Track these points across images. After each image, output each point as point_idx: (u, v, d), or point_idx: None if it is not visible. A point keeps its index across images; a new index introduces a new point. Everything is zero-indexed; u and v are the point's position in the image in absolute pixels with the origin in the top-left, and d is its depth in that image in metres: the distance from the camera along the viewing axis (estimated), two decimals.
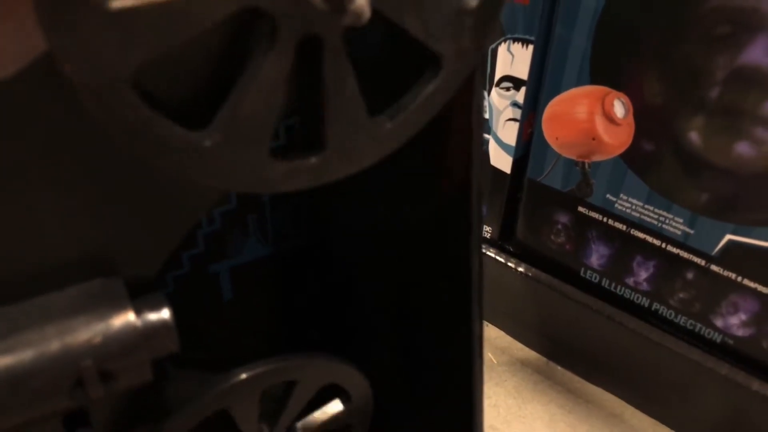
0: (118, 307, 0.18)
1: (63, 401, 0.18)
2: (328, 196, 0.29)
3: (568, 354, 0.45)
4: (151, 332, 0.19)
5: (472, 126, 0.22)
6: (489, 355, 0.48)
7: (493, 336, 0.49)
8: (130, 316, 0.18)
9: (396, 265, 0.29)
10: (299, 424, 0.26)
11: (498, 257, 0.45)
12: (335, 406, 0.26)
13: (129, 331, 0.18)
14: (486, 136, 0.41)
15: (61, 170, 0.17)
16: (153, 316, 0.19)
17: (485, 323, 0.50)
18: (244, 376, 0.22)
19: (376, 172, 0.20)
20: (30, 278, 0.18)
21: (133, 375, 0.18)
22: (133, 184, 0.18)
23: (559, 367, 0.46)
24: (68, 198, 0.17)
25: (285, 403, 0.24)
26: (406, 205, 0.27)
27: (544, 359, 0.47)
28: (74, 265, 0.18)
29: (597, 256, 0.40)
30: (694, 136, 0.33)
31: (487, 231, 0.45)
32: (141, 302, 0.19)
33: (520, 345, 0.48)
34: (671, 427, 0.42)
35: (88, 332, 0.18)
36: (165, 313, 0.19)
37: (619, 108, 0.35)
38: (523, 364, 0.47)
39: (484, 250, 0.46)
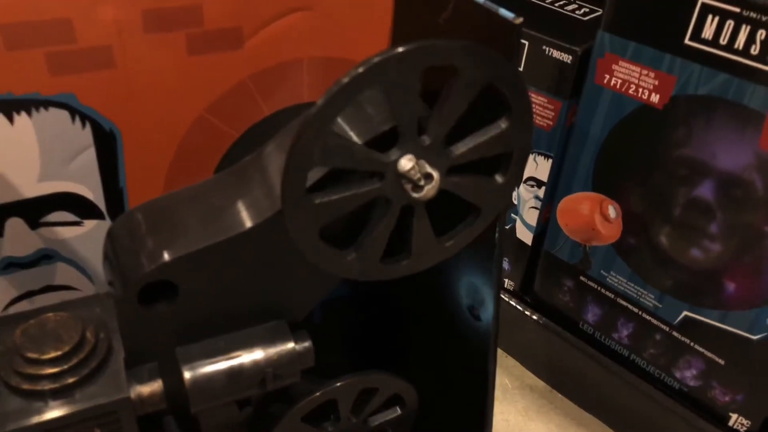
0: (285, 339, 0.32)
1: (252, 391, 0.32)
2: None
3: (567, 385, 0.58)
4: (302, 354, 0.32)
5: (497, 230, 0.34)
6: (505, 380, 0.61)
7: (510, 365, 0.62)
8: (290, 345, 0.32)
9: (434, 310, 0.43)
10: (371, 418, 0.39)
11: (518, 306, 0.58)
12: (395, 410, 0.40)
13: (290, 354, 0.32)
14: (514, 216, 0.54)
15: (271, 270, 0.31)
16: (302, 345, 0.33)
17: (505, 354, 0.63)
18: (350, 380, 0.36)
19: None
20: (241, 320, 0.32)
21: (290, 377, 0.32)
22: (303, 275, 0.32)
23: (559, 395, 0.59)
24: (270, 285, 0.31)
25: (368, 401, 0.37)
26: (446, 272, 0.40)
27: (549, 387, 0.60)
28: (263, 313, 0.32)
29: (592, 314, 0.53)
30: (662, 239, 0.46)
31: (510, 285, 0.58)
32: (296, 336, 0.33)
33: (530, 374, 0.61)
34: None
35: (269, 353, 0.32)
36: (308, 343, 0.33)
37: (612, 211, 0.48)
38: (532, 389, 0.60)
39: (507, 299, 0.59)
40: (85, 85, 0.33)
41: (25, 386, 0.28)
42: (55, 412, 0.28)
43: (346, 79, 0.25)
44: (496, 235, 0.34)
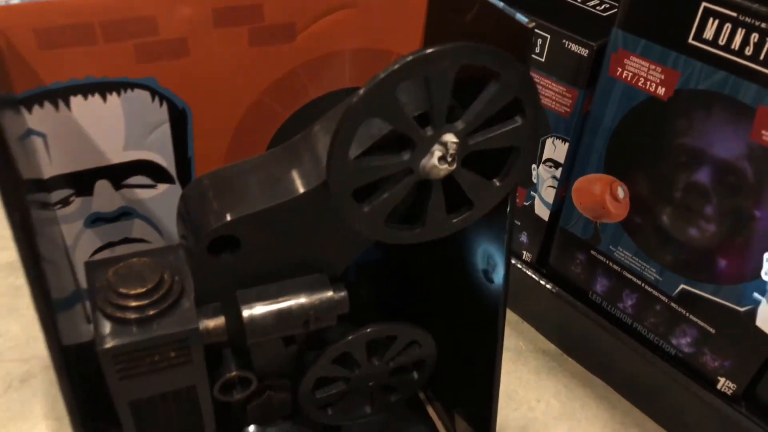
0: (325, 289, 0.38)
1: (297, 330, 0.38)
2: None
3: (576, 349, 0.63)
4: (338, 302, 0.39)
5: (509, 206, 0.40)
6: (520, 343, 0.66)
7: (525, 330, 0.67)
8: (329, 293, 0.38)
9: (454, 274, 0.48)
10: (393, 361, 0.46)
11: (534, 276, 0.63)
12: (415, 354, 0.46)
13: (329, 300, 0.38)
14: (533, 194, 0.59)
15: (315, 231, 0.37)
16: (339, 294, 0.39)
17: (521, 320, 0.68)
18: (373, 328, 0.42)
19: None
20: (290, 271, 0.38)
21: (328, 321, 0.39)
22: (341, 237, 0.38)
23: (569, 358, 0.64)
24: (315, 243, 0.38)
25: (388, 347, 0.43)
26: (465, 241, 0.46)
27: (559, 351, 0.65)
28: (309, 267, 0.39)
29: (600, 285, 0.58)
30: (665, 218, 0.50)
31: (528, 256, 0.63)
32: (334, 287, 0.39)
33: (543, 339, 0.66)
34: (640, 409, 0.60)
35: (311, 299, 0.38)
36: (344, 293, 0.39)
37: (621, 192, 0.53)
38: (544, 352, 0.65)
39: (525, 270, 0.64)
40: (163, 71, 0.39)
41: (117, 314, 0.35)
42: (138, 336, 0.35)
43: (396, 66, 0.30)
44: (508, 210, 0.39)
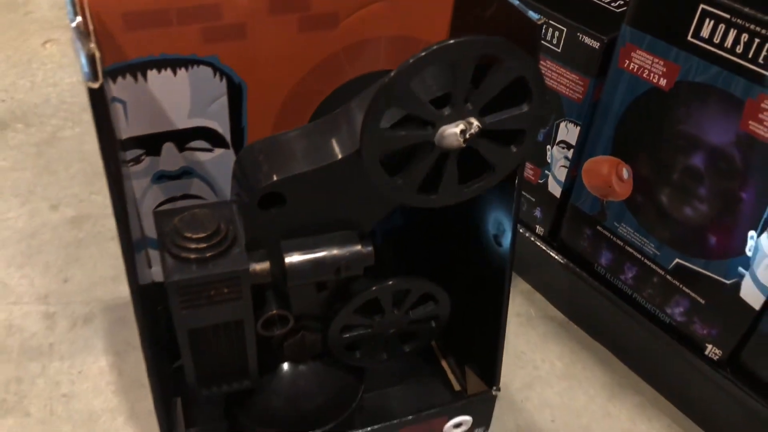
0: (354, 243, 0.45)
1: (330, 276, 0.45)
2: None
3: (581, 317, 0.69)
4: (365, 255, 0.45)
5: (517, 176, 0.45)
6: (531, 310, 0.72)
7: (536, 299, 0.73)
8: (358, 247, 0.45)
9: (468, 238, 0.54)
10: (411, 313, 0.52)
11: (545, 248, 0.69)
12: (430, 306, 0.52)
13: (358, 253, 0.45)
14: (546, 172, 0.65)
15: (349, 192, 0.44)
16: (366, 248, 0.45)
17: (533, 290, 0.74)
18: (395, 281, 0.48)
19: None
20: (326, 226, 0.45)
21: (356, 270, 0.45)
22: (370, 199, 0.44)
23: (574, 326, 0.70)
24: (347, 203, 0.44)
25: (402, 300, 0.50)
26: (478, 209, 0.52)
27: (566, 319, 0.71)
28: (342, 224, 0.45)
29: (605, 258, 0.64)
30: (663, 198, 0.55)
31: (540, 230, 0.69)
32: (363, 242, 0.45)
33: (552, 307, 0.72)
34: (636, 373, 0.65)
35: (343, 251, 0.45)
36: (371, 248, 0.45)
37: (625, 173, 0.58)
38: (552, 319, 0.71)
39: (538, 243, 0.70)
40: (225, 50, 0.45)
41: (182, 254, 0.42)
42: (198, 273, 0.42)
43: (423, 53, 0.36)
44: (516, 182, 0.45)
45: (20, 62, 1.05)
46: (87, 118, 0.95)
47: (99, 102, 0.34)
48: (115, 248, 0.76)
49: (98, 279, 0.73)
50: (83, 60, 0.34)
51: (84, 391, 0.63)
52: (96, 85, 0.33)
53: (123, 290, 0.72)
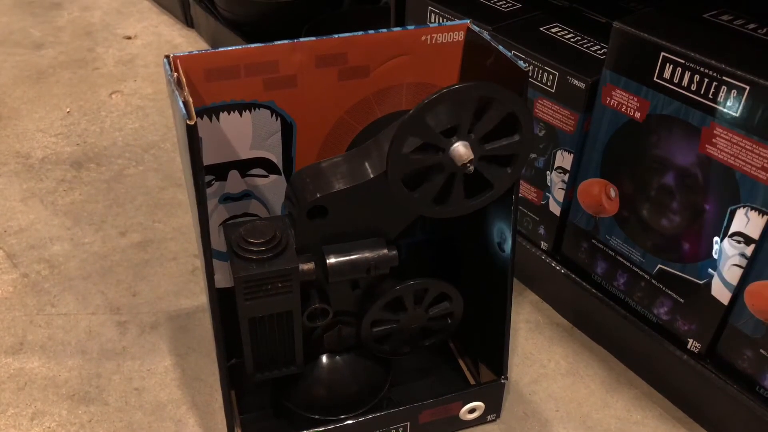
0: (382, 247, 0.56)
1: (362, 274, 0.55)
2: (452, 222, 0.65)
3: (584, 323, 0.78)
4: (391, 257, 0.56)
5: (514, 192, 0.56)
6: (538, 317, 0.81)
7: (544, 307, 0.82)
8: (385, 250, 0.56)
9: (476, 246, 0.65)
10: (430, 310, 0.62)
11: (549, 261, 0.78)
12: (446, 305, 0.62)
13: (385, 256, 0.55)
14: (547, 195, 0.75)
15: (377, 205, 0.54)
16: (392, 252, 0.56)
17: (541, 300, 0.83)
18: (415, 281, 0.59)
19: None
20: (359, 234, 0.56)
21: (383, 270, 0.56)
22: (394, 211, 0.55)
23: (578, 331, 0.79)
24: (377, 214, 0.55)
25: (422, 299, 0.60)
26: (484, 220, 0.62)
27: (571, 325, 0.80)
28: (372, 231, 0.56)
29: (600, 267, 0.73)
30: (644, 212, 0.65)
31: (545, 246, 0.79)
32: (389, 246, 0.56)
33: (558, 315, 0.81)
34: (632, 370, 0.74)
35: (373, 253, 0.55)
36: (395, 252, 0.56)
37: (613, 192, 0.68)
38: (558, 325, 0.80)
39: (543, 257, 0.80)
40: (280, 96, 0.57)
41: (246, 256, 0.53)
42: (258, 270, 0.53)
43: (433, 96, 0.47)
44: (513, 197, 0.56)
45: (90, 111, 1.21)
46: (148, 158, 1.08)
47: (193, 136, 0.45)
48: (175, 267, 0.88)
49: (162, 293, 0.85)
50: (180, 104, 0.46)
51: (152, 385, 0.73)
52: (192, 122, 0.45)
53: (183, 303, 0.83)
